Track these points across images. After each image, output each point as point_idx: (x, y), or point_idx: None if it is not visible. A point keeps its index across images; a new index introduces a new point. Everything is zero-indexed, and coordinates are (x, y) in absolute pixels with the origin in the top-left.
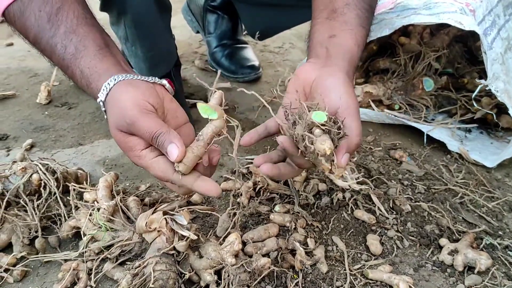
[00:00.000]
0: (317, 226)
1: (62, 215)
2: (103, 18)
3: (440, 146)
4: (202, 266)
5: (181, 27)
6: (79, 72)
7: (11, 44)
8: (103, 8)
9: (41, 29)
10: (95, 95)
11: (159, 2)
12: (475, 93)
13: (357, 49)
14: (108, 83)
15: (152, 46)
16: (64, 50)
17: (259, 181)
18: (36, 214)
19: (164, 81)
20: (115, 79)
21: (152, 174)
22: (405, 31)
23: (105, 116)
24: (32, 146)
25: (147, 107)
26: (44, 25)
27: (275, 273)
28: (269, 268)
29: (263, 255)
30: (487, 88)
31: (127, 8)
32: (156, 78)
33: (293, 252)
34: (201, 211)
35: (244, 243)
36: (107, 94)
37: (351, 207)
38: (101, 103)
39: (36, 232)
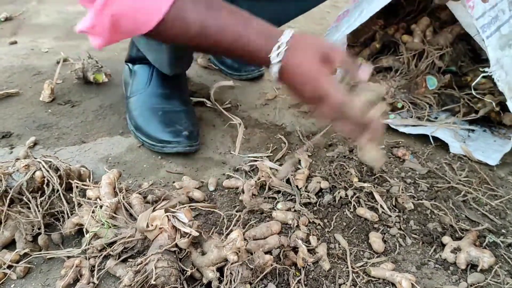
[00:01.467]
0: (319, 224)
1: (65, 212)
2: None
3: (443, 145)
4: (205, 263)
5: None
6: (255, 35)
7: (15, 42)
8: None
9: (205, 18)
10: (272, 42)
11: None
12: (476, 81)
13: None
14: (287, 31)
15: (178, 46)
16: (235, 25)
17: (262, 176)
18: (39, 211)
19: None
20: (291, 30)
21: (334, 99)
22: (408, 29)
23: (280, 58)
24: (35, 143)
25: None
26: (207, 14)
27: (277, 271)
28: (271, 265)
29: (265, 253)
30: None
31: None
32: None
33: (295, 249)
34: (203, 209)
35: (246, 241)
36: (291, 36)
37: (354, 205)
38: (284, 44)
39: (39, 229)
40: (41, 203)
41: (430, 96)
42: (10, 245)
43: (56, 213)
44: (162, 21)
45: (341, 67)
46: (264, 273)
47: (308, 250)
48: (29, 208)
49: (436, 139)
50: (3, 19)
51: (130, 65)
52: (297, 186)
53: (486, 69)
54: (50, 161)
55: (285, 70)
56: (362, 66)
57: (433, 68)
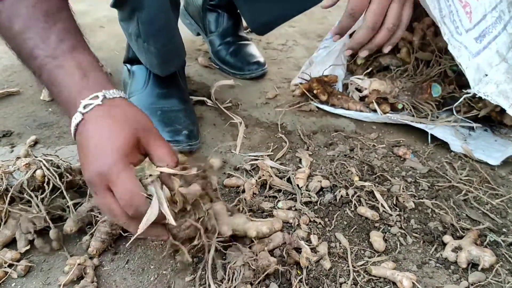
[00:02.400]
0: (320, 223)
1: (66, 210)
2: (108, 15)
3: (443, 144)
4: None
5: (182, 25)
6: (74, 65)
7: None
8: (116, 4)
9: (32, 20)
10: (93, 87)
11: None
12: (457, 103)
13: None
14: (117, 91)
15: (166, 42)
16: (59, 42)
17: (263, 175)
18: (41, 210)
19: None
20: (122, 94)
21: (118, 184)
22: (410, 25)
23: (86, 109)
24: (36, 142)
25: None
26: (39, 18)
27: (279, 271)
28: (274, 267)
29: (270, 250)
30: (477, 96)
31: (144, 4)
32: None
33: (297, 248)
34: None
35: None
36: (118, 96)
37: (354, 204)
38: (102, 97)
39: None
40: (42, 200)
41: (432, 103)
42: (11, 243)
43: (57, 211)
44: None
45: (157, 162)
46: (265, 273)
47: (310, 249)
48: (30, 206)
49: (437, 138)
50: None
51: (128, 65)
52: (298, 185)
53: (468, 91)
54: (51, 160)
55: (84, 125)
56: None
57: (440, 76)
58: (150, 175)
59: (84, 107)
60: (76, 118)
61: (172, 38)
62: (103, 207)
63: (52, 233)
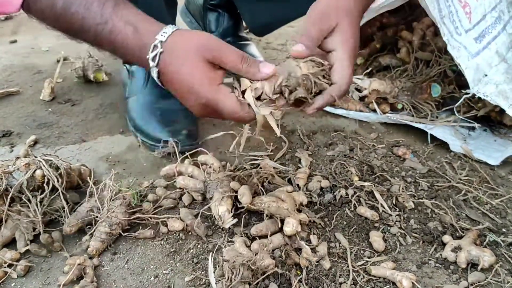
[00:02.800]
0: (320, 223)
1: (66, 211)
2: None
3: (443, 144)
4: None
5: (182, 24)
6: (122, 23)
7: (15, 41)
8: None
9: None
10: (147, 39)
11: None
12: (458, 104)
13: None
14: (168, 27)
15: None
16: (102, 6)
17: (265, 173)
18: (39, 210)
19: None
20: (173, 27)
21: (221, 108)
22: (409, 25)
23: (155, 62)
24: (35, 142)
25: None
26: None
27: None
28: (273, 269)
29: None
30: (476, 96)
31: (137, 1)
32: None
33: (297, 249)
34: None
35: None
36: (169, 35)
37: (354, 204)
38: (159, 44)
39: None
40: (41, 201)
41: (432, 103)
42: (11, 243)
43: (58, 209)
44: None
45: (233, 69)
46: (264, 275)
47: (310, 250)
48: (29, 207)
49: (436, 138)
50: (3, 18)
51: (127, 66)
52: (298, 185)
53: (468, 91)
54: (50, 160)
55: (164, 76)
56: (263, 63)
57: (440, 76)
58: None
59: (153, 59)
60: (153, 72)
61: None
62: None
63: (43, 238)
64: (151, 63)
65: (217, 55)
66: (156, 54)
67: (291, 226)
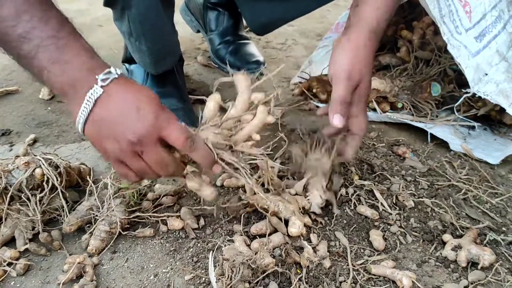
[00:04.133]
0: (320, 222)
1: (64, 210)
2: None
3: (443, 142)
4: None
5: (182, 23)
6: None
7: None
8: (107, 3)
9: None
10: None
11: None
12: (458, 103)
13: (375, 14)
14: (112, 71)
15: (156, 41)
16: (45, 24)
17: (263, 174)
18: (38, 209)
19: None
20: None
21: (170, 133)
22: (409, 24)
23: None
24: (35, 141)
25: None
26: (35, 3)
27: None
28: (273, 268)
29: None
30: (477, 96)
31: (132, 2)
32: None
33: (297, 248)
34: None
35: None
36: (108, 84)
37: (354, 202)
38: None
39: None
40: (40, 200)
41: (432, 102)
42: (10, 242)
43: (57, 208)
44: None
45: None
46: (264, 274)
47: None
48: (28, 206)
49: (436, 137)
50: None
51: (126, 65)
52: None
53: (468, 90)
54: (50, 159)
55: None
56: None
57: (440, 75)
58: None
59: (102, 80)
60: (96, 91)
61: (163, 36)
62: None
63: (42, 237)
64: (99, 82)
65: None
66: (109, 78)
67: (297, 227)
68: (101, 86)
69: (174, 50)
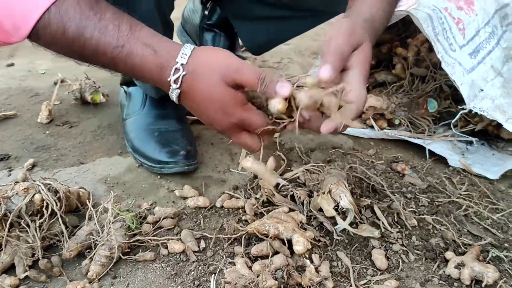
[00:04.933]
0: (324, 241)
1: (64, 235)
2: None
3: (441, 158)
4: None
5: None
6: (140, 45)
7: (12, 65)
8: None
9: (84, 18)
10: (167, 62)
11: (165, 22)
12: (455, 119)
13: (369, 9)
14: (186, 47)
15: None
16: (118, 28)
17: (266, 193)
18: (38, 235)
19: None
20: (190, 46)
21: (252, 124)
22: (404, 42)
23: (178, 84)
24: (33, 165)
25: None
26: (88, 13)
27: None
28: None
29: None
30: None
31: None
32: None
33: (299, 268)
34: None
35: (251, 260)
36: (189, 56)
37: (357, 222)
38: (181, 67)
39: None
40: (40, 226)
41: (429, 118)
42: (10, 269)
43: (57, 234)
44: (40, 20)
45: (252, 89)
46: None
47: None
48: (28, 232)
49: (434, 153)
50: None
51: (125, 87)
52: (302, 203)
53: (464, 107)
54: (49, 184)
55: (187, 97)
56: (280, 84)
57: (435, 91)
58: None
59: (175, 81)
60: (172, 93)
61: None
62: (242, 145)
63: (42, 264)
64: (173, 85)
65: (237, 78)
66: (178, 77)
67: (302, 244)
68: (176, 88)
69: None
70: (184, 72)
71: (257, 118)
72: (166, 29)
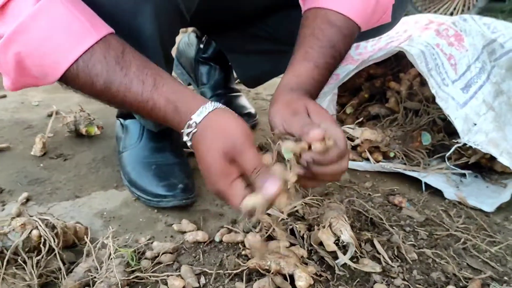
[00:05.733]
0: (326, 277)
1: (62, 272)
2: None
3: (437, 191)
4: None
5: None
6: (163, 100)
7: (4, 96)
8: None
9: (111, 73)
10: (185, 117)
11: (167, 56)
12: (449, 153)
13: (295, 79)
14: (205, 107)
15: None
16: (142, 84)
17: (265, 227)
18: (35, 272)
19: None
20: (212, 105)
21: (230, 201)
22: (397, 76)
23: (189, 137)
24: (28, 199)
25: (252, 138)
26: (114, 68)
27: None
28: None
29: None
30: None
31: None
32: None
33: None
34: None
35: None
36: (204, 116)
37: (357, 256)
38: (194, 124)
39: None
40: (37, 262)
41: (423, 151)
42: None
43: (54, 270)
44: (68, 71)
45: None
46: None
47: None
48: (24, 269)
49: (430, 186)
50: None
51: (121, 120)
52: (302, 237)
53: (459, 140)
54: (46, 219)
55: (193, 147)
56: (270, 180)
57: (429, 124)
58: None
59: (187, 134)
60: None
61: None
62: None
63: None
64: (185, 138)
65: (237, 158)
66: (190, 132)
67: (304, 279)
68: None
69: None
70: (195, 130)
71: (235, 198)
72: (167, 63)
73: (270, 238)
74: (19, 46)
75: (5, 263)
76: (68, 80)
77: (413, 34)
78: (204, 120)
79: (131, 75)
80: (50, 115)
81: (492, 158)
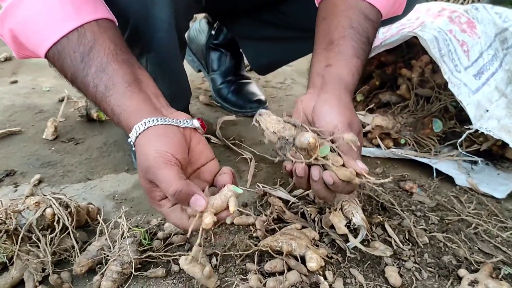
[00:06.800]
0: (337, 259)
1: (75, 250)
2: None
3: (448, 178)
4: None
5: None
6: (110, 110)
7: (15, 82)
8: None
9: (75, 70)
10: (127, 133)
11: (181, 40)
12: (461, 139)
13: (351, 77)
14: (139, 127)
15: (173, 83)
16: (96, 89)
17: (276, 209)
18: (48, 250)
19: (196, 123)
20: (145, 124)
21: (169, 222)
22: (408, 63)
23: (133, 159)
24: (40, 181)
25: (171, 160)
26: (78, 66)
27: None
28: None
29: None
30: (479, 132)
31: (153, 46)
32: (189, 121)
33: (313, 285)
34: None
35: (263, 276)
36: (136, 137)
37: (368, 239)
38: (131, 143)
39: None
40: (51, 240)
41: (434, 138)
42: (19, 285)
43: (67, 249)
44: (47, 55)
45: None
46: None
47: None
48: (38, 246)
49: (441, 172)
50: (3, 59)
51: None
52: (313, 220)
53: (470, 127)
54: (60, 198)
55: None
56: (195, 196)
57: (440, 111)
58: None
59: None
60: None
61: (179, 79)
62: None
63: (52, 279)
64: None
65: (155, 181)
66: (131, 141)
67: (315, 261)
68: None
69: (187, 91)
70: (133, 147)
71: (168, 216)
72: (182, 48)
73: (280, 221)
74: (10, 23)
75: (19, 241)
76: (50, 63)
77: (426, 21)
78: (136, 140)
79: (89, 77)
80: (61, 100)
81: (504, 145)
